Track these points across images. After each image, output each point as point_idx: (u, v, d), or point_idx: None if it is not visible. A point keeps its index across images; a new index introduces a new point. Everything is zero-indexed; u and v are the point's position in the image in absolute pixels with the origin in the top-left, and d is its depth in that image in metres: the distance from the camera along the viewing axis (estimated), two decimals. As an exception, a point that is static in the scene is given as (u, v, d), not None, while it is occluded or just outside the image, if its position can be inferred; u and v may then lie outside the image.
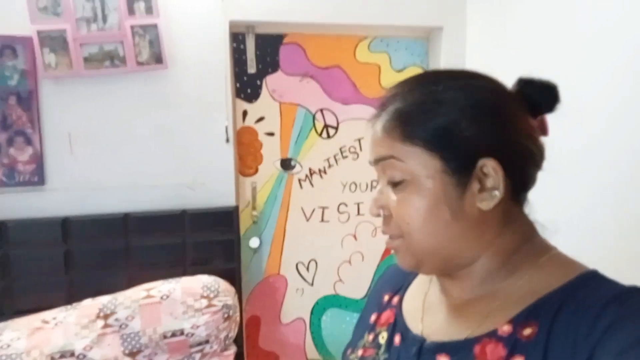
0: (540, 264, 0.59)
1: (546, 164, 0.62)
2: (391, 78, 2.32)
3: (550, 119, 0.64)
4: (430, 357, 0.59)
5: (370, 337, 0.70)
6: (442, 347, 0.59)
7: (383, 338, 0.68)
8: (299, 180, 2.29)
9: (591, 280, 0.56)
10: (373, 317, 0.73)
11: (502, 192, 0.57)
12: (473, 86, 0.59)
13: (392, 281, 0.76)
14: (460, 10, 2.26)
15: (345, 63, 2.28)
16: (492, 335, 0.55)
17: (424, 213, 0.58)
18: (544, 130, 0.63)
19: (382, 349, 0.66)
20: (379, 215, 0.63)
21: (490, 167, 0.56)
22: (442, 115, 0.57)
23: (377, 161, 0.61)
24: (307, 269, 2.35)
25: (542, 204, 0.64)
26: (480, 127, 0.56)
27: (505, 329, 0.55)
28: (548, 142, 0.63)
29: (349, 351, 0.73)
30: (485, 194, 0.57)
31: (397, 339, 0.66)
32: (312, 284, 2.36)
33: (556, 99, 0.62)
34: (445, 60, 2.28)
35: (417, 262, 0.61)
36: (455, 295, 0.63)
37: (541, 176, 0.62)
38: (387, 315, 0.70)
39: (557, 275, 0.57)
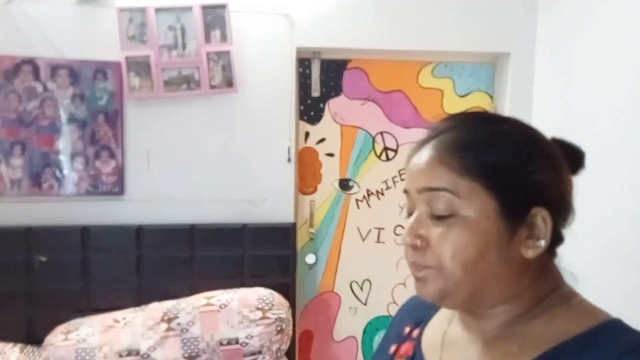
0: (563, 311, 0.59)
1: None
2: (454, 103, 2.32)
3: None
4: None
5: None
6: None
7: None
8: (357, 200, 2.34)
9: (613, 329, 0.55)
10: (392, 348, 0.73)
11: (548, 242, 0.57)
12: (538, 136, 0.61)
13: (414, 313, 0.76)
14: (530, 36, 2.22)
15: (407, 88, 2.31)
16: None
17: (472, 251, 0.57)
18: None
19: None
20: (415, 245, 0.60)
21: (540, 217, 0.57)
22: (510, 154, 0.57)
23: (424, 191, 0.59)
24: (361, 288, 2.38)
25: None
26: (543, 176, 0.58)
27: None
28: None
29: None
30: (531, 241, 0.58)
31: None
32: (365, 304, 2.38)
33: (582, 164, 0.64)
34: (512, 86, 2.24)
35: (443, 295, 0.60)
36: (475, 334, 0.64)
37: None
38: (406, 348, 0.71)
39: (579, 322, 0.57)
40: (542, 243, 0.57)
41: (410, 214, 0.63)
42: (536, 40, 2.22)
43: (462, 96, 2.33)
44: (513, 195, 0.57)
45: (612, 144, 1.68)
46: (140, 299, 2.02)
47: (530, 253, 0.58)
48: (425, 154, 0.60)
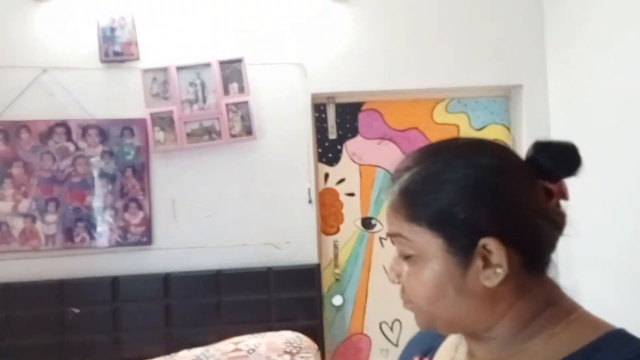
0: (564, 326, 0.58)
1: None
2: (472, 136, 2.33)
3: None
4: None
5: None
6: None
7: None
8: (380, 238, 2.34)
9: (615, 340, 0.55)
10: None
11: (506, 269, 0.57)
12: (474, 165, 0.59)
13: (422, 343, 0.76)
14: (540, 67, 2.25)
15: (422, 125, 2.35)
16: None
17: (429, 289, 0.60)
18: (563, 195, 0.62)
19: None
20: (395, 282, 0.65)
21: (492, 246, 0.57)
22: (442, 197, 0.59)
23: (389, 235, 0.65)
24: (392, 329, 2.33)
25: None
26: (478, 209, 0.58)
27: None
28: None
29: None
30: (489, 271, 0.58)
31: None
32: (397, 345, 2.33)
33: (575, 163, 0.61)
34: (528, 117, 2.26)
35: (429, 326, 0.64)
36: (480, 356, 0.64)
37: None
38: None
39: (581, 336, 0.57)
40: (500, 271, 0.57)
41: None
42: (547, 69, 2.25)
43: (478, 129, 2.35)
44: (455, 234, 0.58)
45: (633, 168, 1.66)
46: (169, 347, 2.03)
47: (488, 282, 0.58)
48: (388, 201, 0.64)
